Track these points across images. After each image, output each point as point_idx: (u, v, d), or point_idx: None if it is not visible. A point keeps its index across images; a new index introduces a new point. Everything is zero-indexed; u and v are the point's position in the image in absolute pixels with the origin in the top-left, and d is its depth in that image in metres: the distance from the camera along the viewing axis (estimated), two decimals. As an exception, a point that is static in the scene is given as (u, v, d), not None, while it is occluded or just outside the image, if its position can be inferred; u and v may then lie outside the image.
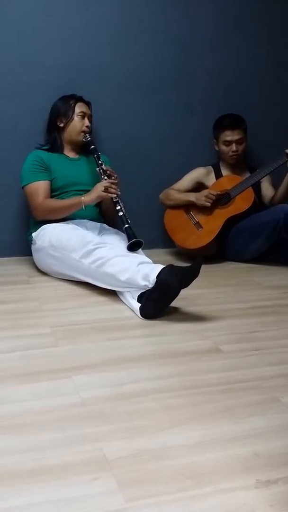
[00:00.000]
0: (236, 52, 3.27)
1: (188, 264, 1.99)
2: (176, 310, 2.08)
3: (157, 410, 1.30)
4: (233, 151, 3.03)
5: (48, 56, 2.92)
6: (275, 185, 3.10)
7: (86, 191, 2.60)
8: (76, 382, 1.44)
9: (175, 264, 2.02)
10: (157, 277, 1.96)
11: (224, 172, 3.13)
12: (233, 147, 3.03)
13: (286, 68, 3.39)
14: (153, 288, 1.98)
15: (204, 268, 1.99)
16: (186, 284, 1.96)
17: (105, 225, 2.75)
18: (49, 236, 2.50)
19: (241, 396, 1.38)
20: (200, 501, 0.97)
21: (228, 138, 3.03)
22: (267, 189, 3.14)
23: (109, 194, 2.53)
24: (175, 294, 1.98)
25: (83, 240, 2.30)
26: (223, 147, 3.06)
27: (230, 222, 2.94)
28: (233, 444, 1.16)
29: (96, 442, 1.15)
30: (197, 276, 1.97)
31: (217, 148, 3.12)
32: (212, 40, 3.22)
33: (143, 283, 2.01)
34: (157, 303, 1.98)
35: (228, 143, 3.04)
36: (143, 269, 2.05)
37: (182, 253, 3.04)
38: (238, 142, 3.03)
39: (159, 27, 3.11)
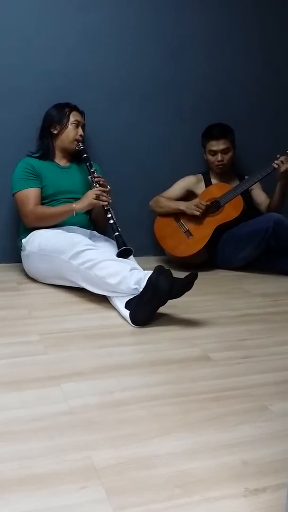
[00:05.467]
0: (228, 61, 3.31)
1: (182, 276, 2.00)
2: (165, 317, 2.08)
3: (146, 418, 1.30)
4: (218, 161, 3.06)
5: (40, 63, 2.93)
6: (268, 192, 3.12)
7: (77, 199, 2.60)
8: (65, 390, 1.44)
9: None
10: (148, 277, 1.97)
11: (214, 180, 3.15)
12: (219, 156, 3.05)
13: (277, 77, 3.43)
14: (143, 290, 1.99)
15: (194, 276, 1.99)
16: (178, 295, 1.97)
17: (95, 232, 2.75)
18: (38, 241, 2.50)
19: (230, 404, 1.38)
20: (188, 510, 0.97)
21: (214, 148, 3.06)
22: (260, 196, 3.16)
23: (101, 202, 2.53)
24: (165, 294, 1.95)
25: (72, 242, 2.31)
26: (209, 157, 3.09)
27: (220, 230, 2.96)
28: (222, 452, 1.16)
29: (85, 451, 1.15)
30: (190, 288, 1.97)
31: (205, 157, 3.15)
32: (204, 49, 3.25)
33: (133, 286, 2.02)
34: (148, 305, 1.97)
35: (214, 153, 3.07)
36: (136, 274, 2.06)
37: (172, 261, 3.04)
38: (223, 151, 3.05)
39: (151, 35, 3.13)
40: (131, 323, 1.99)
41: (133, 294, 2.04)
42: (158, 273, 1.97)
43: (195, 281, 1.99)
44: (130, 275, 2.06)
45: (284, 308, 2.29)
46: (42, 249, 2.45)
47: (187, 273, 1.99)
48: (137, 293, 2.02)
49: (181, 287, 1.96)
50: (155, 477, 1.06)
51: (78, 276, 2.26)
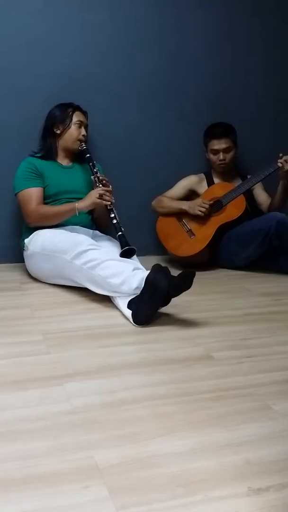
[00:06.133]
0: (229, 61, 3.31)
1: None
2: (168, 317, 2.08)
3: (148, 418, 1.30)
4: (220, 160, 3.05)
5: (42, 63, 2.93)
6: (270, 192, 3.12)
7: (79, 199, 2.60)
8: (67, 390, 1.44)
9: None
10: (146, 277, 1.98)
11: (216, 179, 3.15)
12: (220, 155, 3.05)
13: (277, 77, 3.42)
14: (143, 290, 1.99)
15: (196, 275, 1.99)
16: (176, 292, 1.97)
17: (97, 231, 2.75)
18: (41, 241, 2.50)
19: (233, 404, 1.38)
20: (191, 509, 0.97)
21: (215, 147, 3.05)
22: (261, 195, 3.16)
23: (103, 201, 2.53)
24: (164, 291, 1.95)
25: (75, 241, 2.31)
26: (211, 156, 3.09)
27: (222, 230, 2.95)
28: (225, 451, 1.16)
29: (88, 450, 1.15)
30: (189, 286, 1.97)
31: (207, 157, 3.14)
32: (205, 49, 3.24)
33: (135, 286, 2.02)
34: (148, 304, 1.97)
35: (215, 152, 3.06)
36: (138, 275, 2.06)
37: (174, 261, 3.04)
38: (225, 151, 3.05)
39: (153, 35, 3.13)
40: (133, 323, 1.99)
41: (134, 294, 2.04)
42: (156, 271, 1.97)
43: (196, 280, 1.98)
44: (133, 276, 2.06)
45: (287, 308, 2.29)
46: (44, 249, 2.45)
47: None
48: (137, 293, 2.02)
49: (178, 284, 1.95)
50: (158, 476, 1.06)
51: (81, 276, 2.26)
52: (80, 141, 2.75)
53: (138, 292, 2.03)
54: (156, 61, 3.16)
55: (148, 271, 2.05)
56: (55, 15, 2.93)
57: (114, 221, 2.52)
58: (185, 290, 1.98)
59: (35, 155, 2.75)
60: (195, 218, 2.98)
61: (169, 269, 2.01)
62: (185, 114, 3.26)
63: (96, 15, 3.00)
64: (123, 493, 1.01)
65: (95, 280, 2.19)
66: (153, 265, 2.02)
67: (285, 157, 2.87)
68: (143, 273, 2.08)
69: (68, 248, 2.30)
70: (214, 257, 3.01)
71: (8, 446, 1.16)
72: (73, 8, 2.96)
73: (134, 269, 2.09)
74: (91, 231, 2.71)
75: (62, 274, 2.40)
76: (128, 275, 2.06)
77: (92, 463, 1.10)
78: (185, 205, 3.00)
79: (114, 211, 2.55)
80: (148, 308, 1.98)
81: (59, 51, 2.96)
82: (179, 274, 1.97)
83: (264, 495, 1.01)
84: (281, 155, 2.89)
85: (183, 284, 1.96)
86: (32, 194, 2.63)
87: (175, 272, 2.03)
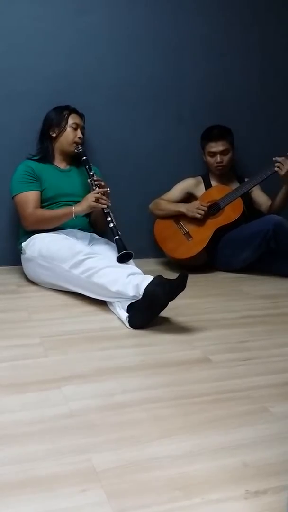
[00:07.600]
0: (226, 64, 3.31)
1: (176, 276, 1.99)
2: (165, 320, 2.08)
3: (146, 421, 1.30)
4: (217, 162, 3.06)
5: (39, 66, 2.93)
6: (268, 193, 3.12)
7: (76, 202, 2.60)
8: (65, 393, 1.44)
9: (165, 275, 2.03)
10: (145, 288, 1.96)
11: (213, 182, 3.15)
12: (218, 158, 3.05)
13: (276, 79, 3.43)
14: (141, 299, 1.98)
15: (193, 278, 2.00)
16: (172, 297, 1.97)
17: (95, 234, 2.75)
18: (38, 246, 2.49)
19: (230, 406, 1.38)
20: (189, 512, 0.97)
21: (213, 150, 3.06)
22: (260, 197, 3.15)
23: (100, 205, 2.53)
24: (163, 306, 1.99)
25: (73, 250, 2.30)
26: (209, 158, 3.10)
27: (220, 232, 2.95)
28: (223, 454, 1.16)
29: (85, 453, 1.15)
30: (183, 288, 1.97)
31: (204, 159, 3.15)
32: (203, 51, 3.25)
33: (132, 293, 2.01)
34: (145, 314, 1.98)
35: (213, 154, 3.07)
36: (133, 280, 2.04)
37: (172, 263, 3.04)
38: (222, 153, 3.06)
39: (149, 37, 3.14)
40: (128, 326, 1.99)
41: (133, 299, 2.03)
42: (155, 284, 1.95)
43: (194, 282, 1.99)
44: (128, 283, 2.04)
45: (284, 310, 2.29)
46: (42, 255, 2.45)
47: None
48: (138, 297, 2.01)
49: (175, 288, 1.95)
50: (156, 479, 1.06)
51: (79, 285, 2.27)
52: (76, 143, 2.75)
53: (135, 298, 2.01)
54: (153, 64, 3.17)
55: (144, 276, 2.05)
56: (51, 18, 2.93)
57: (111, 225, 2.52)
58: (180, 292, 1.99)
59: (33, 158, 2.75)
60: (192, 220, 2.98)
61: (167, 271, 2.00)
62: (183, 117, 3.27)
63: (93, 18, 3.00)
64: (121, 496, 1.01)
65: (93, 289, 2.19)
66: (155, 277, 1.99)
67: (280, 159, 2.87)
68: (137, 278, 2.05)
69: (66, 258, 2.29)
70: (212, 259, 3.01)
71: (6, 449, 1.16)
72: (71, 11, 2.96)
73: (129, 275, 2.08)
74: (89, 234, 2.71)
75: (59, 281, 2.39)
76: (124, 282, 2.05)
77: (90, 467, 1.10)
78: (182, 208, 3.00)
79: (111, 214, 2.55)
80: (144, 316, 1.98)
81: (56, 54, 2.96)
82: (174, 280, 1.95)
83: (261, 498, 1.01)
84: (275, 159, 2.89)
85: (178, 288, 1.97)
86: (29, 197, 2.62)
87: (172, 276, 2.03)
